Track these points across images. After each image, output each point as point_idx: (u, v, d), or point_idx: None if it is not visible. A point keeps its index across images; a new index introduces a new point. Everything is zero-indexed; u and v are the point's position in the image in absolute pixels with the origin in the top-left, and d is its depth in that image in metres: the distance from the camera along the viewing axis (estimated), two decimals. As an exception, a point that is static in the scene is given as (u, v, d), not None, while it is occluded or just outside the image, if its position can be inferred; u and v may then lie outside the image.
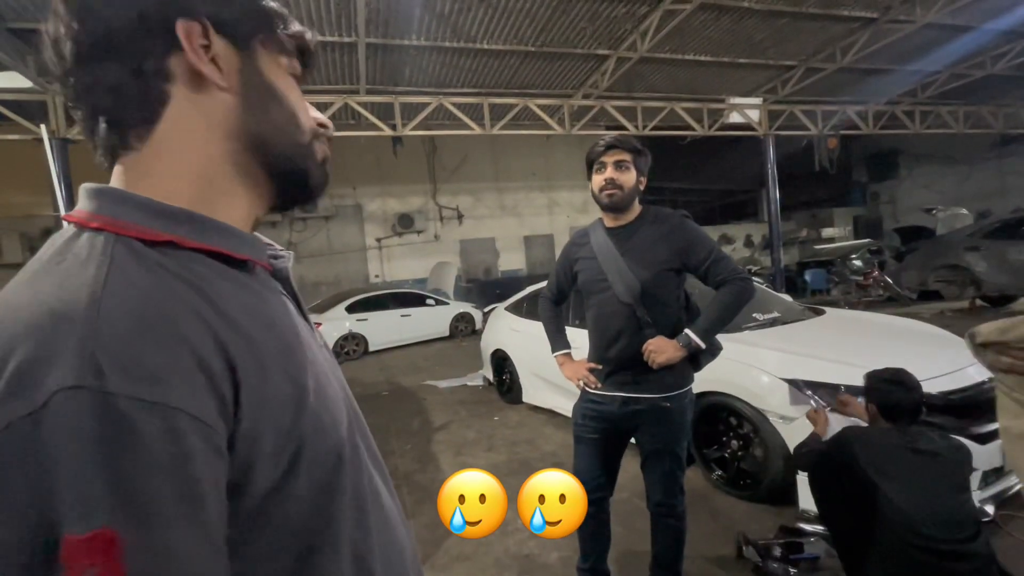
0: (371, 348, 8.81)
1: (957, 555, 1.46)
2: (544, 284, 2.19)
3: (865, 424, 1.85)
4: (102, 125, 0.45)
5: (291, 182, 0.53)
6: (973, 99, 10.65)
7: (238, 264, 0.46)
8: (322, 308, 8.92)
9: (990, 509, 2.26)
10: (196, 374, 0.36)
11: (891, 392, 1.72)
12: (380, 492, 0.54)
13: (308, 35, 0.55)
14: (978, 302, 7.82)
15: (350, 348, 8.53)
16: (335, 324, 8.50)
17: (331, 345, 8.17)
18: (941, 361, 2.59)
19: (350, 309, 8.80)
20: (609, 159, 1.71)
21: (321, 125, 0.55)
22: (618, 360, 1.76)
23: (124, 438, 0.32)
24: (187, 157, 0.46)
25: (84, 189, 0.45)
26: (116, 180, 0.46)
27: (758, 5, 6.49)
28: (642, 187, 1.78)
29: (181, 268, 0.41)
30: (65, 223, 0.44)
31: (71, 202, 6.04)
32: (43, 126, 5.94)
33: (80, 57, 0.43)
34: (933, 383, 2.45)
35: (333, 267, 12.15)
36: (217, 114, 0.47)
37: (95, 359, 0.33)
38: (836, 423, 1.91)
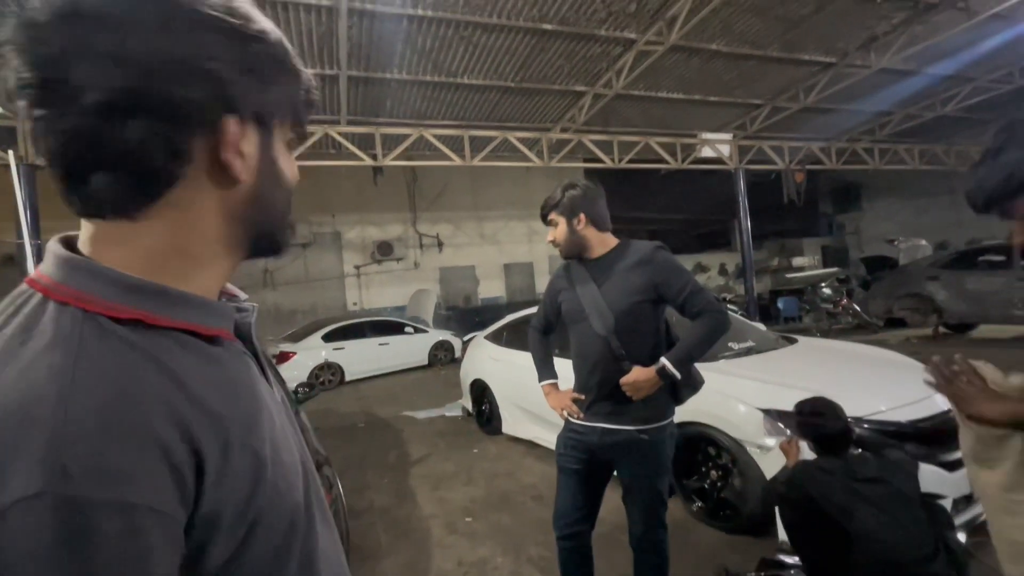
0: (347, 378, 8.62)
1: None
2: (526, 312, 2.21)
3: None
4: (98, 184, 0.41)
5: (269, 250, 0.54)
6: (927, 138, 11.32)
7: (206, 335, 0.46)
8: (297, 337, 8.73)
9: (962, 537, 2.30)
10: (161, 466, 0.36)
11: (818, 425, 1.78)
12: (327, 548, 0.53)
13: (315, 95, 0.54)
14: (941, 329, 8.11)
15: (326, 378, 8.33)
16: (311, 353, 8.32)
17: (306, 375, 8.01)
18: (910, 389, 2.66)
19: (327, 338, 8.63)
20: (548, 225, 1.85)
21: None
22: (597, 391, 1.77)
23: (86, 540, 0.32)
24: (180, 236, 0.45)
25: (53, 254, 0.43)
26: (88, 242, 0.43)
27: (726, 48, 6.85)
28: (580, 224, 1.78)
29: (149, 344, 0.40)
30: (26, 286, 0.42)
31: (36, 230, 5.87)
32: (11, 152, 5.80)
33: (103, 105, 0.38)
34: (903, 411, 2.52)
35: (310, 295, 11.97)
36: (227, 203, 0.47)
37: (61, 462, 0.32)
38: (809, 453, 1.94)
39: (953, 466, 2.32)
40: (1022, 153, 0.80)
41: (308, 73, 0.53)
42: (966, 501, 2.38)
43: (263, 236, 0.51)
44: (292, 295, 11.71)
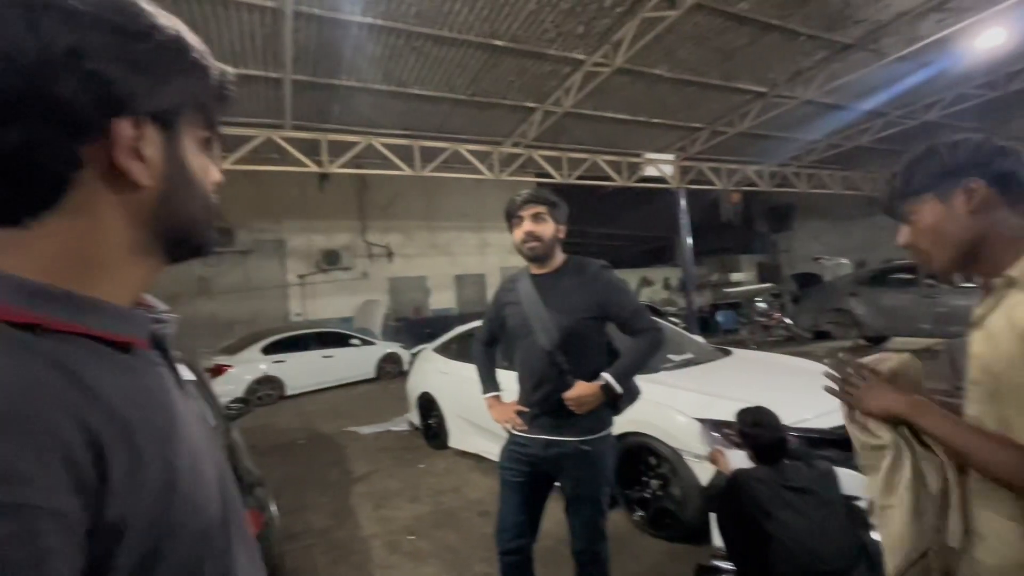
0: (288, 392, 8.23)
1: None
2: (475, 324, 2.20)
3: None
4: None
5: (189, 253, 0.52)
6: (847, 165, 12.39)
7: (115, 343, 0.43)
8: (234, 349, 8.27)
9: (877, 536, 2.47)
10: (60, 468, 0.34)
11: (757, 435, 1.88)
12: (245, 568, 0.51)
13: (232, 91, 0.52)
14: (860, 342, 8.78)
15: (263, 393, 7.90)
16: (248, 367, 7.89)
17: (243, 389, 7.57)
18: (832, 399, 2.84)
19: (266, 350, 8.22)
20: (526, 213, 1.80)
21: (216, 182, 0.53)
22: (541, 404, 1.79)
23: None
24: (83, 243, 0.42)
25: None
26: None
27: (668, 73, 7.22)
28: (561, 236, 1.86)
29: (52, 350, 0.38)
30: None
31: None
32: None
33: None
34: (825, 419, 2.69)
35: (249, 304, 11.36)
36: (131, 207, 0.44)
37: None
38: (736, 460, 2.03)
39: (869, 470, 2.50)
40: (912, 159, 0.89)
41: (221, 67, 0.50)
42: (879, 502, 2.57)
43: (178, 241, 0.49)
44: (230, 304, 11.08)
